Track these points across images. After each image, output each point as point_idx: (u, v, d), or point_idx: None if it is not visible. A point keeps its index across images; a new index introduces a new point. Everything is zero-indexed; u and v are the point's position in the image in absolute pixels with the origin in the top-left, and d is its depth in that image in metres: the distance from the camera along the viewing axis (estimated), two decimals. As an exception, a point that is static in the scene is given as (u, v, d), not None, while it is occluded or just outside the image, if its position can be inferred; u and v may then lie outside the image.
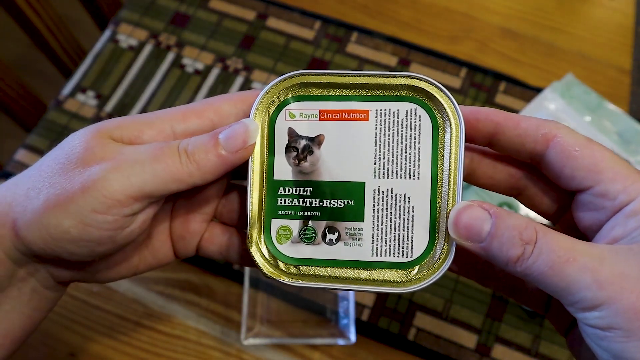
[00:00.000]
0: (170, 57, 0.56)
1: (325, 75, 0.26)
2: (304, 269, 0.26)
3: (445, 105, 0.25)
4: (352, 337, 0.43)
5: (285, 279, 0.26)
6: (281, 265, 0.26)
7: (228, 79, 0.55)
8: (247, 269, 0.45)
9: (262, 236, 0.26)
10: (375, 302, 0.45)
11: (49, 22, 0.62)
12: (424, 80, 0.25)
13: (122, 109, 0.53)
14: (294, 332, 0.44)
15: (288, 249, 0.26)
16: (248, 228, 0.26)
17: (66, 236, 0.24)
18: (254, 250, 0.26)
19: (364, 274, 0.25)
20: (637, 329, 0.20)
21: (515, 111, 0.53)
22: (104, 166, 0.23)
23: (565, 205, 0.26)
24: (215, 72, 0.55)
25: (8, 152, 0.54)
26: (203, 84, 0.54)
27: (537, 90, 0.54)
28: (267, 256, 0.26)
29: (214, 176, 0.25)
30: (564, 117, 0.52)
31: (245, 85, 0.54)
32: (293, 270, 0.26)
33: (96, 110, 0.53)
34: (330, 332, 0.44)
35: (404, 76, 0.25)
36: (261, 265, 0.26)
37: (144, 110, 0.53)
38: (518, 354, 0.44)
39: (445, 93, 0.25)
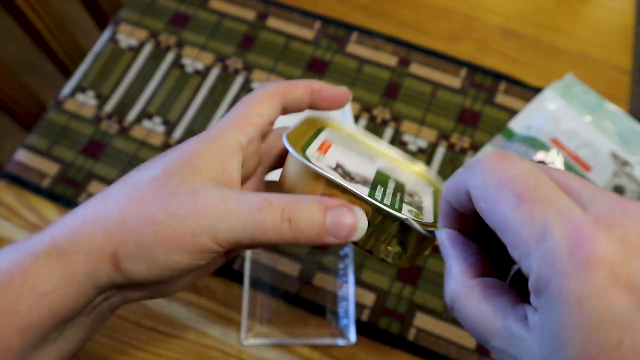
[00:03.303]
0: (170, 57, 0.56)
1: None
2: None
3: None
4: (352, 337, 0.43)
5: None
6: None
7: (228, 79, 0.55)
8: (247, 269, 0.45)
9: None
10: (375, 302, 0.45)
11: (49, 22, 0.62)
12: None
13: (122, 109, 0.53)
14: (294, 332, 0.44)
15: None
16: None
17: (176, 267, 0.25)
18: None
19: None
20: None
21: (515, 111, 0.53)
22: (211, 212, 0.25)
23: None
24: (215, 72, 0.55)
25: (8, 152, 0.54)
26: (203, 84, 0.54)
27: (537, 90, 0.54)
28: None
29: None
30: (564, 117, 0.52)
31: (245, 86, 0.54)
32: None
33: (96, 110, 0.53)
34: (330, 332, 0.44)
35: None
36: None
37: (143, 110, 0.53)
38: (518, 354, 0.44)
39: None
